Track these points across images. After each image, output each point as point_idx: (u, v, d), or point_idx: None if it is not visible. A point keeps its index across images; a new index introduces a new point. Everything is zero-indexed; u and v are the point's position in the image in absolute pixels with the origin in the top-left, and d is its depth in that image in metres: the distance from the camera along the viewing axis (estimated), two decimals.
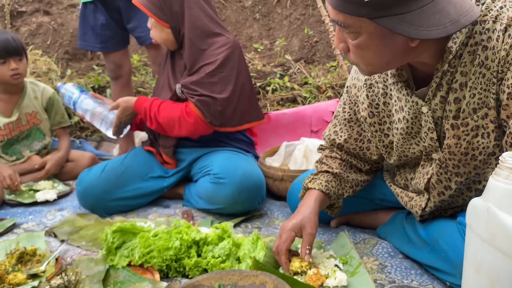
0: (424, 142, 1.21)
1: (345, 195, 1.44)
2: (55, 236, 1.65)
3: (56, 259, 1.41)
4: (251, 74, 3.17)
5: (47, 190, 2.09)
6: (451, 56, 1.04)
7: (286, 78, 3.12)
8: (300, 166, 1.93)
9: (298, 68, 3.26)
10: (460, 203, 1.27)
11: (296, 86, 3.05)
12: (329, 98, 2.85)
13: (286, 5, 3.91)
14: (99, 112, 1.93)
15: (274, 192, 1.90)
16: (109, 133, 1.93)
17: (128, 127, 1.96)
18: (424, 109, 1.15)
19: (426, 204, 1.28)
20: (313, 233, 1.27)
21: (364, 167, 1.47)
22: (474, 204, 0.85)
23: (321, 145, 1.54)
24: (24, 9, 4.24)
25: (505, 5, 0.99)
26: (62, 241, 1.60)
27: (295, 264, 1.22)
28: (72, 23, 4.09)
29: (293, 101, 2.99)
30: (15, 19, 4.04)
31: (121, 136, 1.95)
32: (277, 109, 2.87)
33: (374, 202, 1.58)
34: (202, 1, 1.85)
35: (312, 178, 1.41)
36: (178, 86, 1.80)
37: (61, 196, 2.09)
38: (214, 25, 1.85)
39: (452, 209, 1.31)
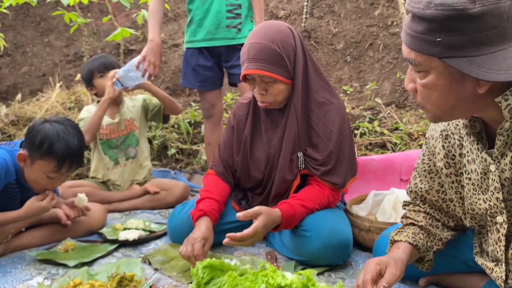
0: (490, 201, 1.17)
1: (434, 248, 1.40)
2: (150, 263, 1.77)
3: (150, 287, 1.52)
4: None
5: (132, 230, 2.07)
6: (506, 112, 1.01)
7: (376, 123, 3.08)
8: (388, 218, 1.88)
9: (389, 113, 3.21)
10: None
11: (386, 131, 2.99)
12: (421, 146, 2.76)
13: (378, 48, 3.91)
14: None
15: (359, 242, 1.86)
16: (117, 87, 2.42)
17: None
18: (492, 168, 1.12)
19: (507, 276, 1.20)
20: (396, 274, 1.24)
21: (449, 223, 1.43)
22: None
23: (405, 201, 1.53)
24: (134, 48, 4.71)
25: None
26: (156, 269, 1.72)
27: None
28: (174, 61, 4.44)
29: (382, 146, 2.94)
30: (126, 56, 4.50)
31: None
32: (365, 154, 2.84)
33: (467, 264, 1.49)
34: (313, 59, 1.82)
35: (398, 231, 1.42)
36: (300, 155, 1.77)
37: (146, 238, 2.02)
38: (326, 85, 1.82)
39: None
